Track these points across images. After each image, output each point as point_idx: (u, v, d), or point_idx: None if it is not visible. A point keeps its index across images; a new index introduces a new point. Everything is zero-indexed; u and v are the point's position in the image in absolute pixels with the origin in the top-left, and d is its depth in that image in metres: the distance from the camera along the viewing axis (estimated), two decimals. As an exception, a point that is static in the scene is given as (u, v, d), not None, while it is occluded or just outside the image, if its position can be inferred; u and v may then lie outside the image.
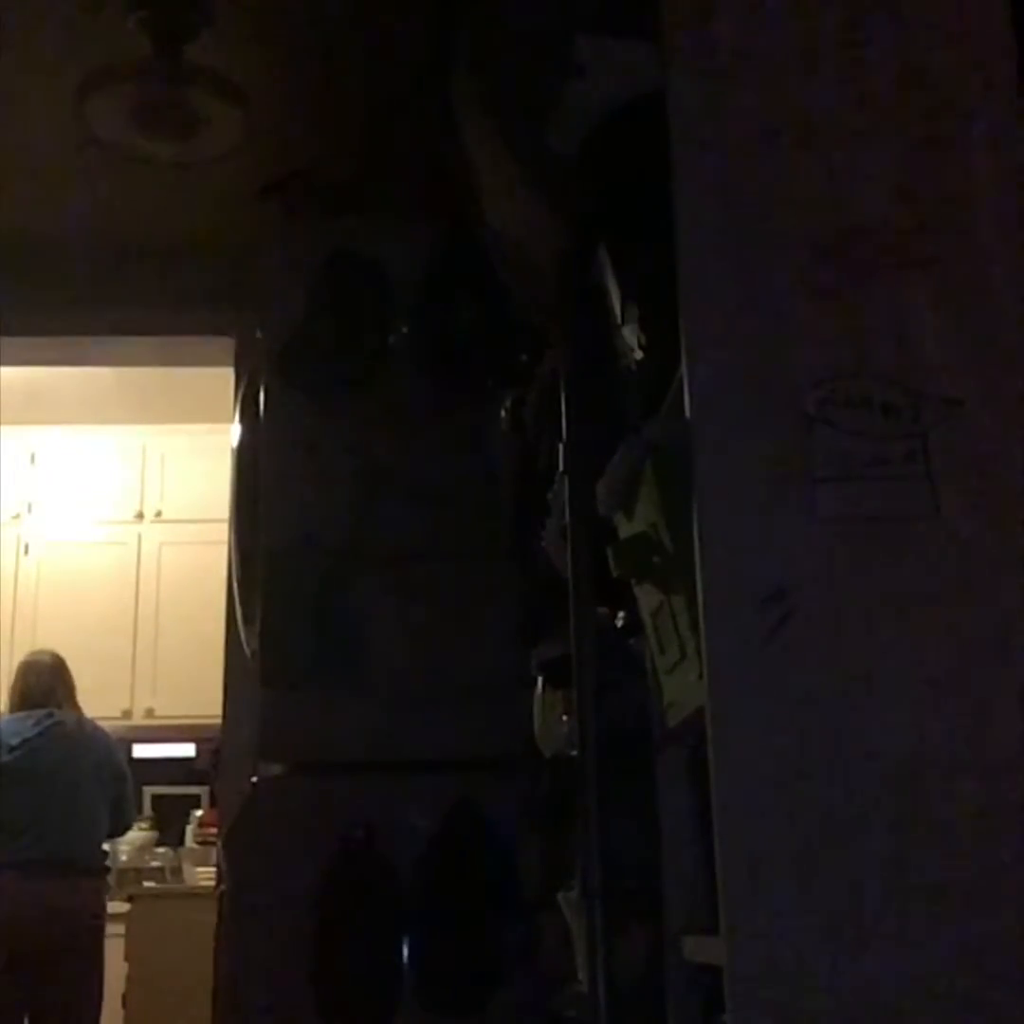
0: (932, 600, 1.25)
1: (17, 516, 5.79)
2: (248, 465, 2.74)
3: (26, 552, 5.76)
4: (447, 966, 2.36)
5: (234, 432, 2.87)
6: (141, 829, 5.25)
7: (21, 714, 4.23)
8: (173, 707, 5.45)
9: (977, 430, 1.29)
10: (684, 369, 1.33)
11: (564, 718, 2.05)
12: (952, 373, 1.30)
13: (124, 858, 5.20)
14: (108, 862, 4.39)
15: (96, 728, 4.36)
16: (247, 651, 2.70)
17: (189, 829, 5.46)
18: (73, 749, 4.18)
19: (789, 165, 1.38)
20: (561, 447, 1.91)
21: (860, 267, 1.34)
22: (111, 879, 4.51)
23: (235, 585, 2.78)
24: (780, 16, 1.43)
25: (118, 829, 4.41)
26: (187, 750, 5.60)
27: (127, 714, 5.53)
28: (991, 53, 1.41)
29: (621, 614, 1.79)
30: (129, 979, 4.49)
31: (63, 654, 4.44)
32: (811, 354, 1.31)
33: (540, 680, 2.18)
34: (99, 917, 4.13)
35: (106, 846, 4.32)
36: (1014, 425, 1.29)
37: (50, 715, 4.21)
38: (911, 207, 1.36)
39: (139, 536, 5.84)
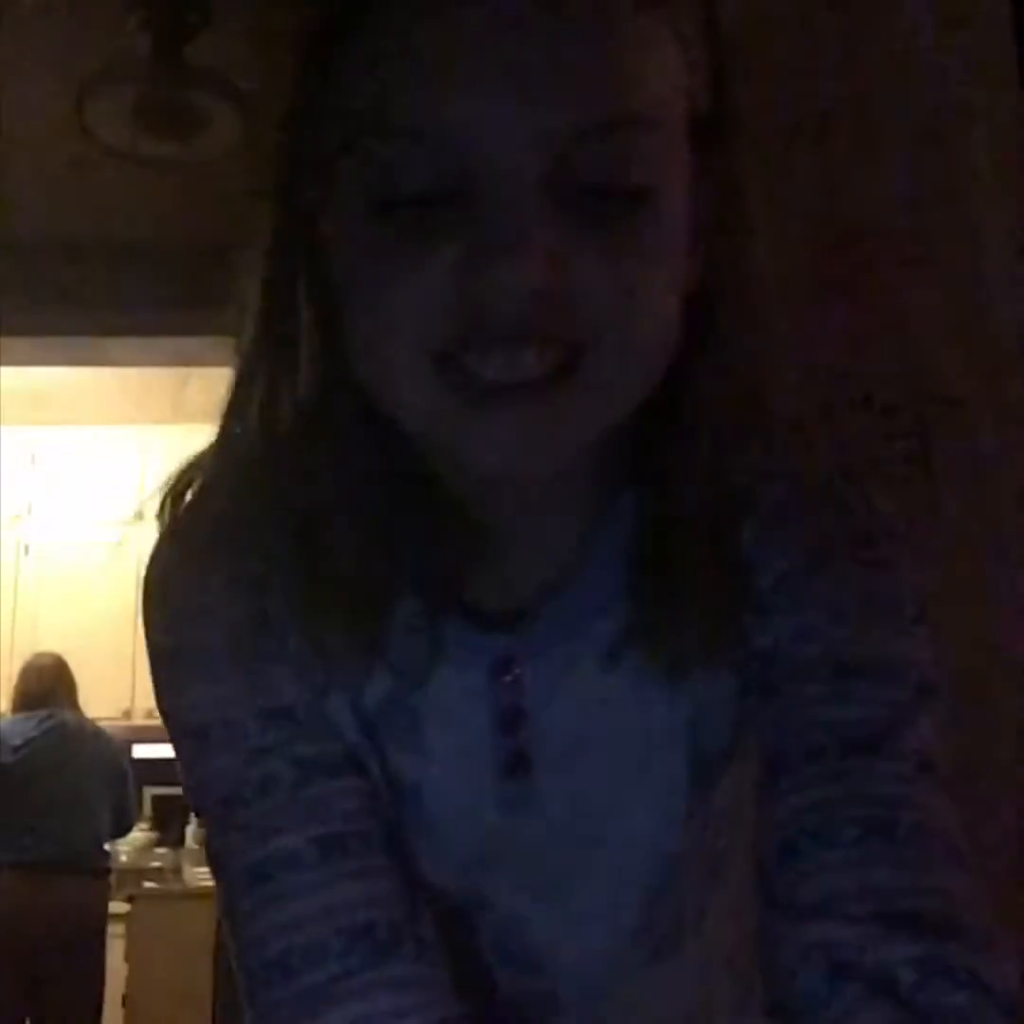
0: (931, 600, 1.24)
1: (17, 516, 5.79)
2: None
3: (26, 552, 5.76)
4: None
5: (234, 432, 2.86)
6: (141, 829, 5.24)
7: (22, 715, 4.23)
8: (173, 707, 5.44)
9: (977, 430, 1.28)
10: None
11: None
12: (952, 373, 1.30)
13: (124, 858, 5.20)
14: (109, 862, 4.39)
15: (97, 729, 4.36)
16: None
17: (189, 829, 5.45)
18: (75, 750, 4.18)
19: (790, 164, 1.38)
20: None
21: (861, 267, 1.34)
22: (112, 879, 4.51)
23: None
24: (782, 16, 1.43)
25: (120, 830, 4.41)
26: (187, 750, 5.59)
27: (127, 714, 5.53)
28: (993, 53, 1.41)
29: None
30: (129, 979, 4.49)
31: (63, 654, 4.44)
32: (811, 354, 1.31)
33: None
34: (100, 918, 4.13)
35: (107, 846, 4.33)
36: (1014, 425, 1.29)
37: (51, 716, 4.21)
38: (912, 207, 1.36)
39: (139, 536, 5.83)
